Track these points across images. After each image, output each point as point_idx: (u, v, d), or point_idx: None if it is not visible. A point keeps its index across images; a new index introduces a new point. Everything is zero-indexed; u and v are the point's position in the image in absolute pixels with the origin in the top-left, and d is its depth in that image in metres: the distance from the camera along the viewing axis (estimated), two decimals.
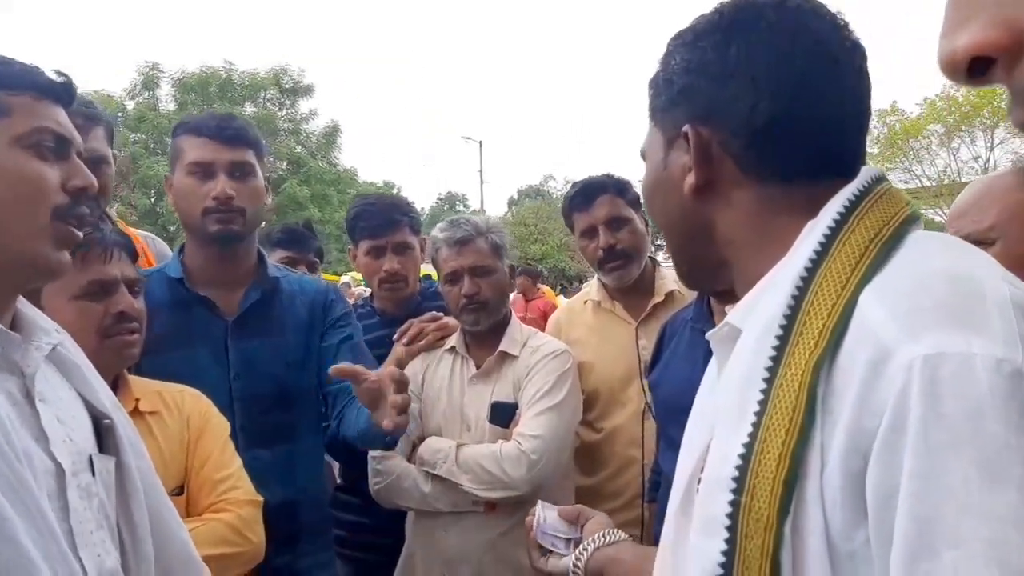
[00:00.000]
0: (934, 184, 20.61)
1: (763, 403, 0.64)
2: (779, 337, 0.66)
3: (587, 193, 2.22)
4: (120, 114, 20.58)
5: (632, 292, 2.26)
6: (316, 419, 1.91)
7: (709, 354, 1.64)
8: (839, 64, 0.73)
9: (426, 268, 2.48)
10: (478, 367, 2.06)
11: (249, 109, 21.65)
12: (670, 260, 0.93)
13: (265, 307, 1.85)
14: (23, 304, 0.99)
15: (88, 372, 1.05)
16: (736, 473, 0.64)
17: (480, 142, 34.63)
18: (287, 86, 22.01)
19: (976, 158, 22.59)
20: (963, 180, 22.01)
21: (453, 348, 2.11)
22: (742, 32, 0.74)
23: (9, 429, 0.83)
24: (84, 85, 20.12)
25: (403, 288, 2.32)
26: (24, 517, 0.80)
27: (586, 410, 2.18)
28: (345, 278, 10.38)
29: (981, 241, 1.29)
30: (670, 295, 2.23)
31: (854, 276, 0.64)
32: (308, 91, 22.30)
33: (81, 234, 0.97)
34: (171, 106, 21.39)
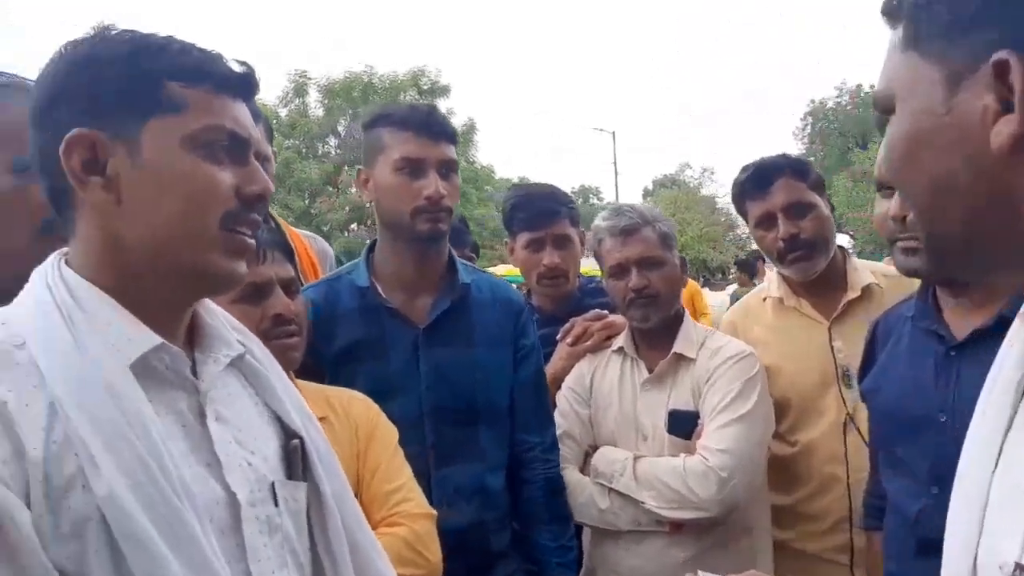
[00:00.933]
0: None
1: None
2: None
3: (761, 177, 1.97)
4: (275, 121, 21.91)
5: (820, 286, 1.99)
6: (505, 437, 1.80)
7: (943, 358, 1.40)
8: None
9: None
10: (650, 370, 1.90)
11: None
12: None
13: (456, 315, 1.75)
14: (207, 311, 0.92)
15: (278, 382, 0.96)
16: None
17: (613, 133, 34.20)
18: (425, 87, 22.53)
19: None
20: None
21: (621, 349, 1.95)
22: None
23: (166, 459, 0.74)
24: None
25: (563, 284, 2.20)
26: (181, 558, 0.71)
27: (777, 421, 1.95)
28: (500, 270, 10.41)
29: None
30: (867, 289, 1.95)
31: None
32: (445, 91, 22.73)
33: (253, 241, 0.87)
34: (319, 112, 22.51)
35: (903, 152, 0.63)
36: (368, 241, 1.86)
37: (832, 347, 1.94)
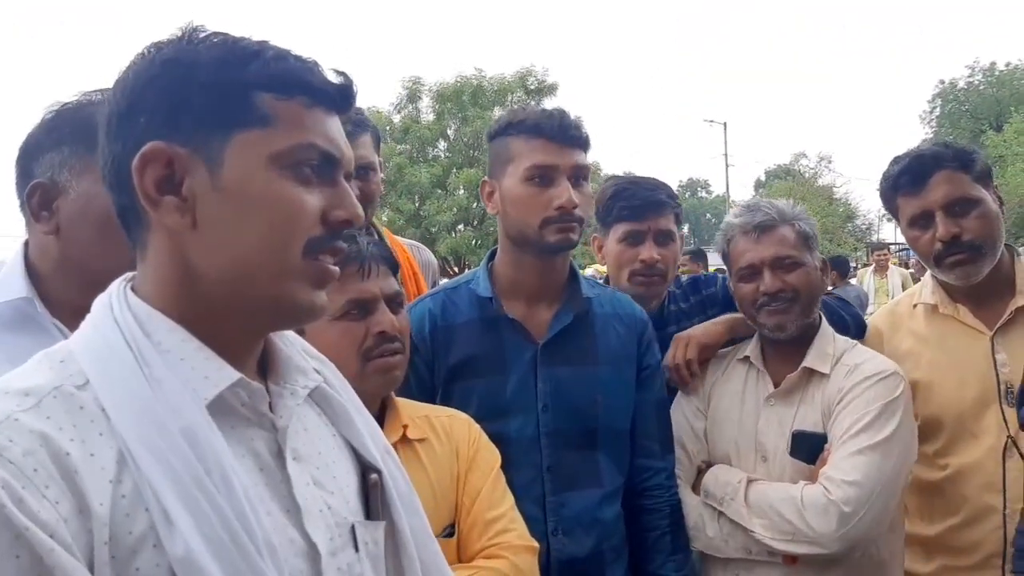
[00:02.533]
0: None
1: None
2: None
3: (918, 170, 1.75)
4: (388, 127, 22.56)
5: (982, 292, 1.76)
6: (625, 461, 1.69)
7: None
8: None
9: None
10: (776, 384, 1.73)
11: (498, 113, 22.60)
12: None
13: (577, 331, 1.65)
14: (280, 338, 0.85)
15: (355, 413, 0.89)
16: None
17: (724, 124, 33.21)
18: (532, 87, 22.59)
19: None
20: None
21: (747, 358, 1.79)
22: None
23: (247, 512, 0.67)
24: (357, 103, 22.50)
25: (658, 284, 1.99)
26: None
27: (925, 441, 1.76)
28: (588, 272, 10.26)
29: None
30: None
31: None
32: (552, 90, 22.70)
33: (338, 269, 0.80)
34: (430, 117, 23.01)
35: None
36: (488, 250, 1.79)
37: (995, 360, 1.72)
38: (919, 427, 1.76)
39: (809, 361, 1.70)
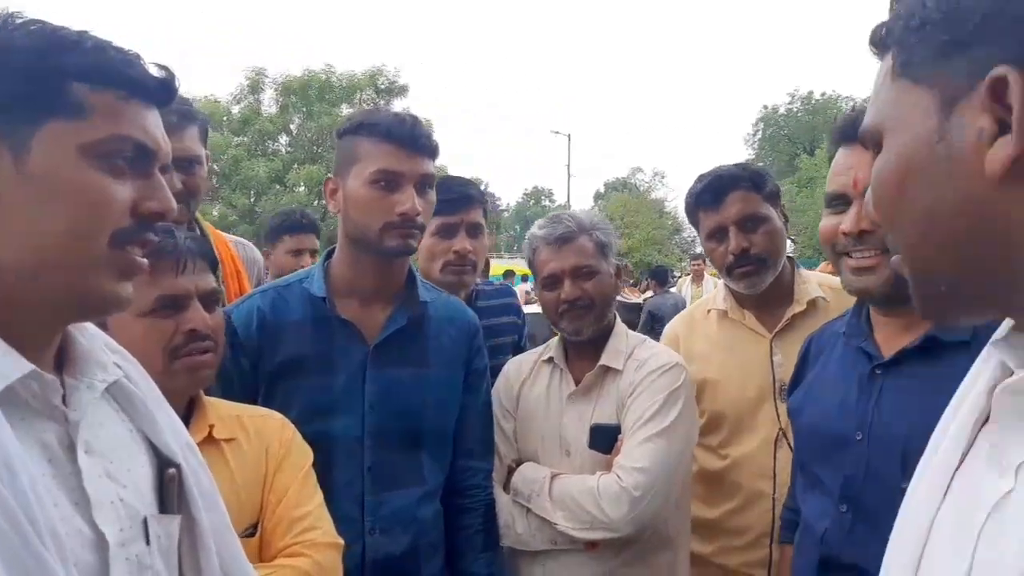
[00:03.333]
0: None
1: None
2: None
3: (717, 188, 1.91)
4: (225, 117, 21.41)
5: (766, 300, 1.95)
6: (447, 462, 1.73)
7: (867, 377, 1.36)
8: None
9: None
10: (577, 381, 1.84)
11: (346, 110, 22.11)
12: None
13: (411, 334, 1.66)
14: (80, 331, 0.83)
15: (156, 408, 0.88)
16: None
17: (568, 135, 34.44)
18: (382, 87, 22.30)
19: None
20: None
21: (551, 359, 1.89)
22: None
23: (31, 502, 0.66)
24: (192, 91, 21.09)
25: (469, 274, 2.10)
26: None
27: (710, 433, 1.93)
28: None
29: None
30: (812, 303, 1.93)
31: None
32: (403, 91, 22.53)
33: (146, 262, 0.79)
34: (273, 109, 22.10)
35: (892, 187, 0.59)
36: (326, 250, 1.76)
37: (773, 361, 1.91)
38: (707, 421, 1.94)
39: (605, 359, 1.80)
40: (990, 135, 0.52)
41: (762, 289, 1.93)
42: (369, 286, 1.65)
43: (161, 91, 0.79)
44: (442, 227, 2.06)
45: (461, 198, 2.07)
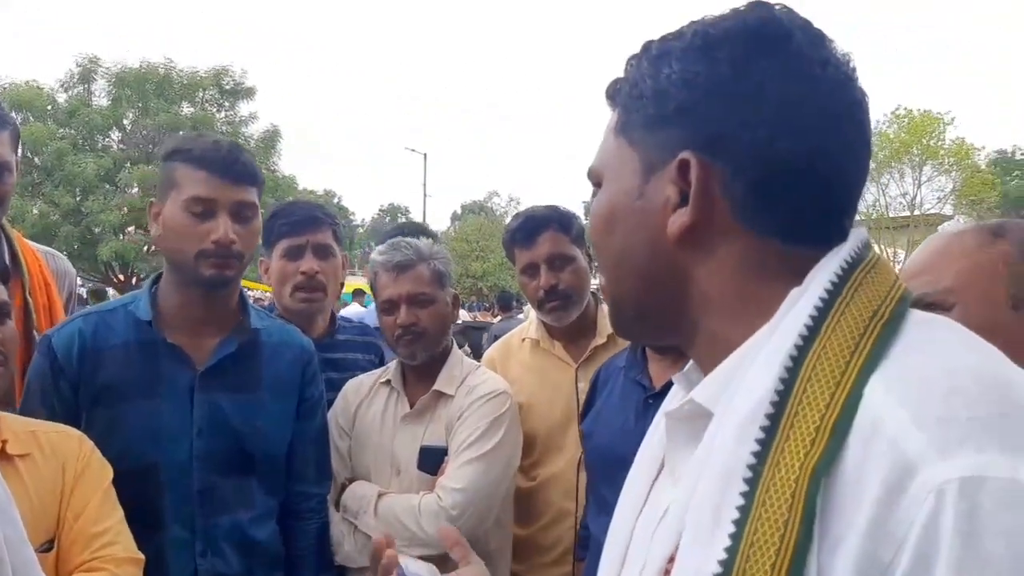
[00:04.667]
0: (861, 219, 21.43)
1: (744, 509, 0.53)
2: (764, 429, 0.55)
3: (529, 228, 2.08)
4: (50, 106, 19.65)
5: (573, 332, 2.14)
6: (279, 486, 1.74)
7: (642, 405, 1.59)
8: (860, 110, 0.63)
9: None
10: (412, 405, 1.92)
11: (187, 109, 20.94)
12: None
13: (242, 360, 1.66)
14: None
15: None
16: None
17: (424, 155, 34.25)
18: (227, 87, 21.35)
19: (904, 194, 23.53)
20: (891, 215, 22.94)
21: (388, 382, 1.96)
22: (769, 49, 0.61)
23: None
24: (12, 74, 19.11)
25: (319, 299, 2.09)
26: None
27: (523, 456, 2.04)
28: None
29: (937, 304, 1.21)
30: (612, 337, 2.12)
31: (855, 361, 0.54)
32: (249, 93, 21.64)
33: None
34: (104, 101, 20.52)
35: (602, 224, 0.70)
36: (153, 275, 1.73)
37: (577, 388, 2.08)
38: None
39: (438, 384, 1.89)
40: (674, 203, 0.63)
41: (569, 322, 2.10)
42: (197, 313, 1.64)
43: None
44: (289, 249, 2.07)
45: (306, 219, 2.09)
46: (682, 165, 0.63)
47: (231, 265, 1.59)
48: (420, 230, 2.34)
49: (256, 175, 1.65)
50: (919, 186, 23.00)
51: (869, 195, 22.19)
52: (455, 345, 2.00)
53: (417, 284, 1.86)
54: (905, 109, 22.58)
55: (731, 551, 0.52)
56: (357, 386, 2.00)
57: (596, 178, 0.72)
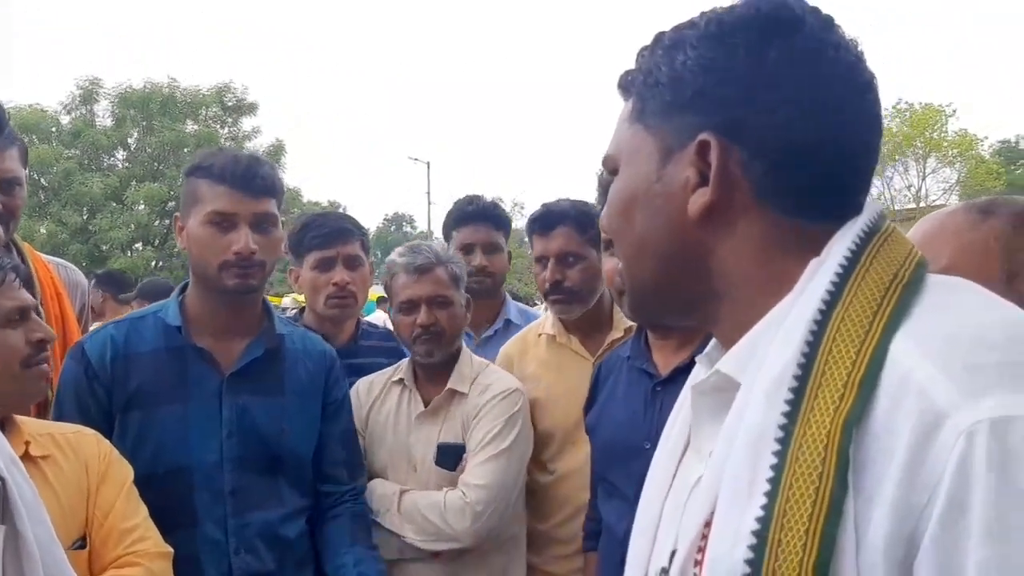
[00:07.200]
0: None
1: (778, 468, 0.55)
2: (793, 390, 0.56)
3: (547, 220, 2.10)
4: (54, 128, 19.83)
5: (590, 326, 2.14)
6: (308, 486, 1.79)
7: (650, 393, 1.59)
8: (870, 90, 0.65)
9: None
10: (426, 403, 1.97)
11: (191, 126, 21.08)
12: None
13: (266, 364, 1.72)
14: None
15: None
16: (750, 555, 0.54)
17: (428, 163, 34.44)
18: (230, 104, 21.50)
19: (909, 187, 23.49)
20: (896, 208, 22.91)
21: (401, 380, 2.00)
22: (784, 35, 0.64)
23: None
24: (16, 99, 19.31)
25: (351, 306, 2.20)
26: None
27: (540, 450, 2.06)
28: (286, 300, 10.03)
29: None
30: (629, 330, 2.10)
31: (878, 321, 0.56)
32: (251, 109, 21.81)
33: None
34: (108, 121, 20.68)
35: (620, 209, 0.72)
36: (182, 282, 1.79)
37: None
38: (537, 438, 2.06)
39: (452, 383, 1.95)
40: (693, 184, 0.66)
41: (572, 318, 2.11)
42: (223, 320, 1.70)
43: None
44: (320, 261, 2.17)
45: (336, 231, 2.19)
46: (702, 146, 0.65)
47: (254, 274, 1.65)
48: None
49: (275, 186, 1.70)
50: (924, 178, 22.99)
51: (874, 189, 22.06)
52: (465, 345, 2.05)
53: (437, 286, 1.92)
54: (907, 103, 22.57)
55: (767, 508, 0.54)
56: (368, 386, 2.05)
57: (612, 165, 0.74)
